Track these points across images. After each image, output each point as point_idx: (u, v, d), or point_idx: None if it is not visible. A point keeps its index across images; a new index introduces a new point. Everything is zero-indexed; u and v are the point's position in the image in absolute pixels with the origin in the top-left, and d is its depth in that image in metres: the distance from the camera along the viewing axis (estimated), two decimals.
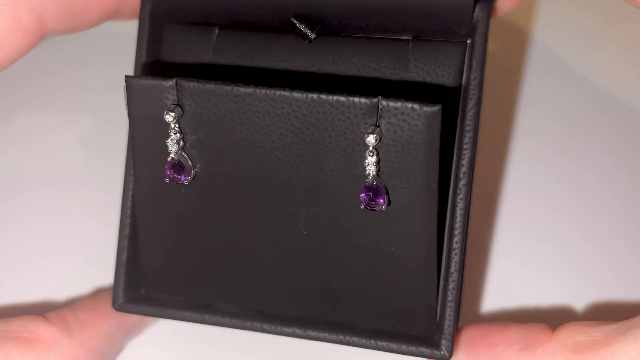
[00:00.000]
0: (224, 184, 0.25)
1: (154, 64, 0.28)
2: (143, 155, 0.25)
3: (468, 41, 0.26)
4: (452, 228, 0.26)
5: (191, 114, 0.24)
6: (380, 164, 0.23)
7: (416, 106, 0.22)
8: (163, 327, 0.31)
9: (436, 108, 0.22)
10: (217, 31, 0.28)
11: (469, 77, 0.26)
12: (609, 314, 0.30)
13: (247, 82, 0.23)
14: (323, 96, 0.23)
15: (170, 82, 0.24)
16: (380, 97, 0.22)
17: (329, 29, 0.27)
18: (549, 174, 0.33)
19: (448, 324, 0.26)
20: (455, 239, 0.26)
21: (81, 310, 0.28)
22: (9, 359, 0.25)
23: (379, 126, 0.22)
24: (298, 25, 0.26)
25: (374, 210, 0.23)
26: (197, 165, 0.25)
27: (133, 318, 0.29)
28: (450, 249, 0.26)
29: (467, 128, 0.26)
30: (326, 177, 0.24)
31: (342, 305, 0.26)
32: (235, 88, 0.23)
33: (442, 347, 0.26)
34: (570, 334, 0.25)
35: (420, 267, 0.25)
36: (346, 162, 0.23)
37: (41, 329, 0.26)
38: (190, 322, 0.28)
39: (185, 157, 0.25)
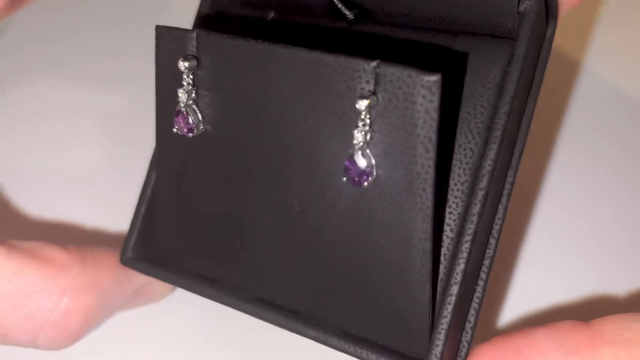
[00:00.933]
0: (228, 145, 0.25)
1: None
2: (162, 106, 0.26)
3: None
4: (460, 234, 0.23)
5: (207, 67, 0.24)
6: (375, 137, 0.21)
7: (413, 73, 0.20)
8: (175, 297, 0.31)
9: (435, 77, 0.20)
10: (272, 14, 0.28)
11: (506, 73, 0.24)
12: None
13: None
14: (324, 55, 0.22)
15: (192, 34, 0.24)
16: (379, 60, 0.21)
17: (374, 16, 0.26)
18: (588, 186, 0.31)
19: (437, 343, 0.23)
20: (463, 246, 0.23)
21: (100, 253, 0.28)
22: (20, 271, 0.26)
23: (375, 93, 0.21)
24: (337, 4, 0.26)
25: (359, 186, 0.22)
26: (206, 122, 0.25)
27: (143, 279, 0.29)
28: (455, 257, 0.23)
29: (496, 127, 0.23)
30: (322, 148, 0.23)
31: (333, 304, 0.24)
32: (247, 42, 0.23)
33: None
34: (614, 331, 0.22)
35: (411, 270, 0.22)
36: (341, 133, 0.22)
37: (56, 254, 0.27)
38: (190, 291, 0.27)
39: (194, 111, 0.25)
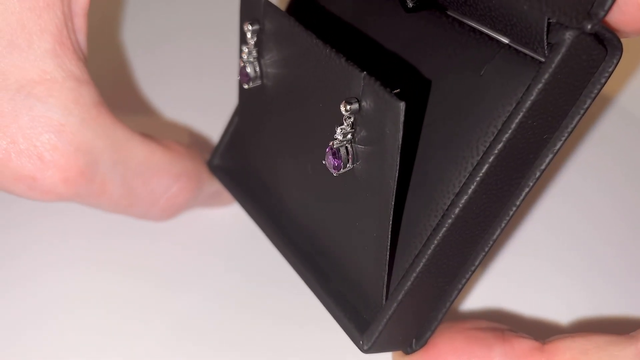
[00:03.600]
0: (275, 101, 0.29)
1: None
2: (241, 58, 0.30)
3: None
4: (430, 236, 0.25)
5: (267, 33, 0.28)
6: (356, 136, 0.24)
7: (383, 93, 0.22)
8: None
9: (400, 103, 0.22)
10: None
11: (520, 99, 0.24)
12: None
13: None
14: (332, 53, 0.24)
15: (261, 1, 0.28)
16: (365, 72, 0.23)
17: (436, 2, 0.27)
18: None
19: (380, 318, 0.25)
20: (427, 249, 0.25)
21: (201, 154, 0.35)
22: (152, 153, 0.31)
23: (359, 101, 0.23)
24: None
25: (334, 173, 0.25)
26: (264, 77, 0.29)
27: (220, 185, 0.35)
28: (418, 255, 0.25)
29: (490, 152, 0.24)
30: (324, 130, 0.26)
31: (325, 256, 0.28)
32: (290, 21, 0.26)
33: (363, 339, 0.26)
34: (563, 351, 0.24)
35: (372, 252, 0.25)
36: (335, 123, 0.25)
37: (176, 146, 0.33)
38: (241, 206, 0.33)
39: (254, 66, 0.29)
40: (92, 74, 0.29)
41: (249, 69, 0.29)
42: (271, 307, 0.33)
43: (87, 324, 0.32)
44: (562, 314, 0.31)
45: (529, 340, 0.26)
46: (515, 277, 0.33)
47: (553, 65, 0.23)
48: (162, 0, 0.48)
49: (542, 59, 0.24)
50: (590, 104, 0.25)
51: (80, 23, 0.29)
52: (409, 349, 0.28)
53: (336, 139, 0.24)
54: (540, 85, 0.23)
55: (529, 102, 0.23)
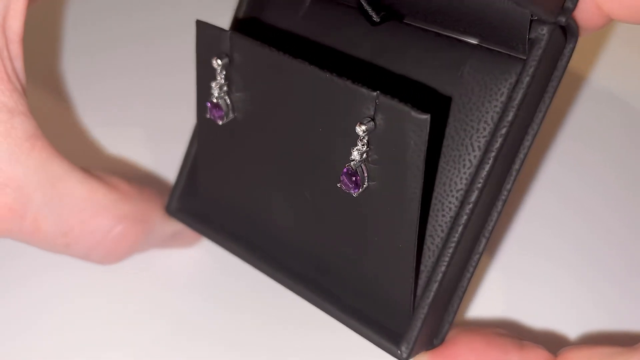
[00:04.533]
0: (253, 134, 0.28)
1: (248, 21, 0.31)
2: (200, 92, 0.29)
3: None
4: (447, 238, 0.26)
5: (238, 66, 0.27)
6: (371, 155, 0.24)
7: (407, 109, 0.22)
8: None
9: (425, 116, 0.22)
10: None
11: (509, 97, 0.25)
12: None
13: (297, 51, 0.25)
14: (334, 77, 0.24)
15: (227, 34, 0.27)
16: (378, 92, 0.23)
17: (401, 15, 0.28)
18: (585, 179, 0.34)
19: (415, 325, 0.26)
20: (447, 250, 0.26)
21: (153, 193, 0.33)
22: (94, 192, 0.29)
23: (373, 119, 0.23)
24: (365, 6, 0.27)
25: (352, 193, 0.25)
26: (236, 111, 0.28)
27: (180, 225, 0.33)
28: (439, 257, 0.26)
29: (491, 147, 0.25)
30: (328, 153, 0.25)
31: (333, 275, 0.28)
32: (273, 52, 0.25)
33: (401, 348, 0.26)
34: None
35: (397, 267, 0.25)
36: (343, 145, 0.25)
37: (122, 184, 0.31)
38: (218, 245, 0.31)
39: (225, 102, 0.28)
40: (32, 104, 0.28)
41: (221, 105, 0.28)
42: (271, 307, 0.33)
43: (86, 322, 0.32)
44: (571, 326, 0.31)
45: (543, 351, 0.27)
46: (524, 287, 0.33)
47: (537, 59, 0.25)
48: (107, 23, 0.44)
49: (521, 55, 0.25)
50: (559, 84, 0.27)
51: (15, 50, 0.27)
52: (429, 346, 0.28)
53: (353, 160, 0.24)
54: (528, 79, 0.25)
55: (519, 96, 0.25)
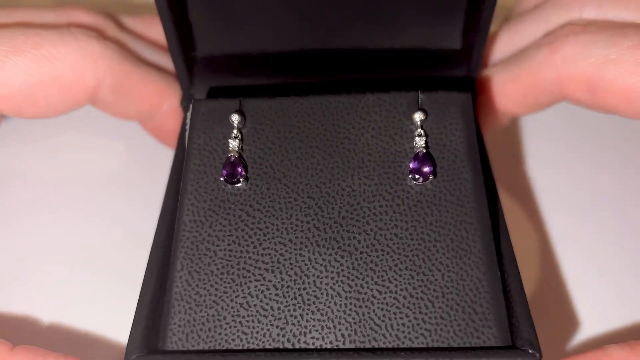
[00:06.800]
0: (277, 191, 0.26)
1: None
2: (197, 180, 0.26)
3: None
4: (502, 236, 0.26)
5: (250, 127, 0.27)
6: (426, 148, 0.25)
7: (447, 93, 0.25)
8: None
9: (466, 94, 0.25)
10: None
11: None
12: None
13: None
14: (371, 95, 0.27)
15: (235, 100, 0.27)
16: (419, 90, 0.26)
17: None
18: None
19: (523, 318, 0.24)
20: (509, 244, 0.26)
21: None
22: None
23: (423, 109, 0.25)
24: None
25: (422, 182, 0.24)
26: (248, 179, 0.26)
27: None
28: (505, 247, 0.25)
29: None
30: (377, 169, 0.26)
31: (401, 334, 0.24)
32: (285, 100, 0.27)
33: (535, 350, 0.23)
34: None
35: (471, 270, 0.24)
36: (399, 144, 0.25)
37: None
38: None
39: (240, 161, 0.26)
40: None
41: (239, 164, 0.26)
42: None
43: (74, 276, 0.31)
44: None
45: None
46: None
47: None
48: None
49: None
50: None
51: None
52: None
53: (416, 145, 0.24)
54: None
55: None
